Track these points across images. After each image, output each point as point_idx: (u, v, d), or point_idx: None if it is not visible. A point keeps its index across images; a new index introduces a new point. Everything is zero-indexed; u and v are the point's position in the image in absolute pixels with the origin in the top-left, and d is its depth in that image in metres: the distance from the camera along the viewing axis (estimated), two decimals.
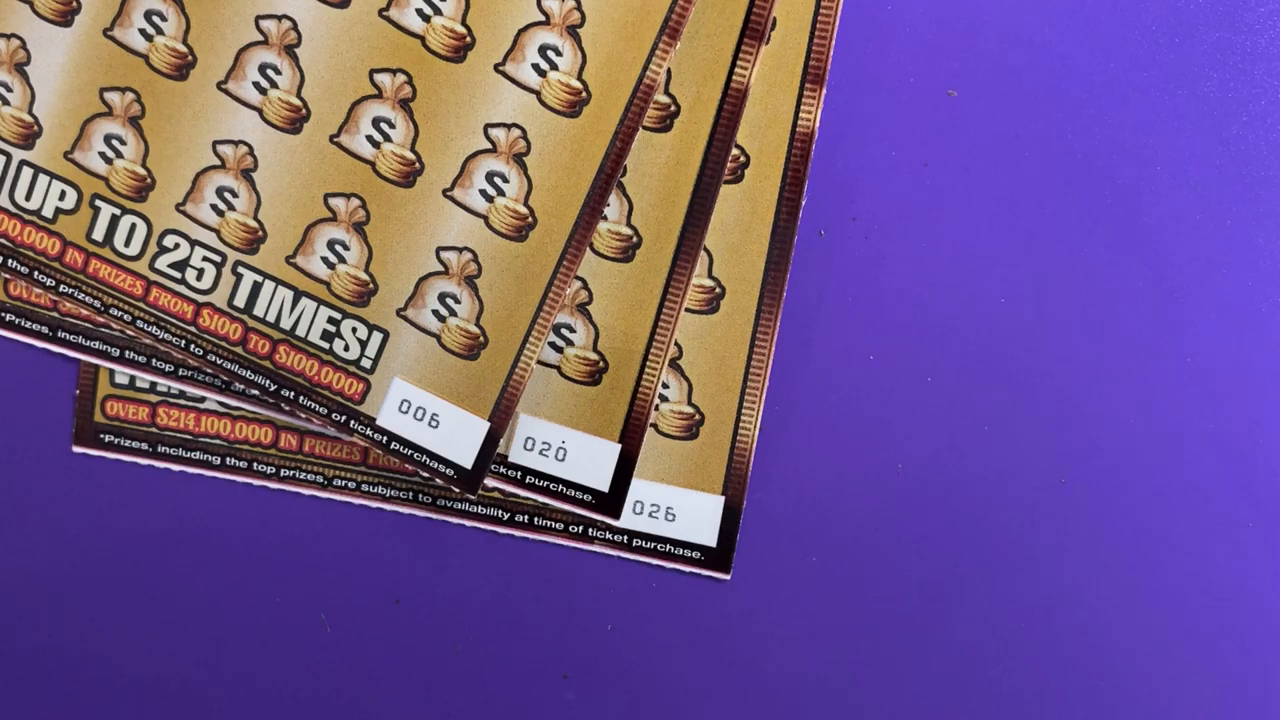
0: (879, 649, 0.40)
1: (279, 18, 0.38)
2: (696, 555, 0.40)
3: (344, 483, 0.40)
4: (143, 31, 0.38)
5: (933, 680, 0.41)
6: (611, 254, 0.39)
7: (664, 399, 0.39)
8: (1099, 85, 0.40)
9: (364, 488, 0.40)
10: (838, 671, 0.40)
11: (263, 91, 0.38)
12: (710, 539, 0.40)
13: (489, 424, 0.39)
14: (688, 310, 0.39)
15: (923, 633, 0.40)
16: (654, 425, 0.39)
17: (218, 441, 0.40)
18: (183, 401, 0.40)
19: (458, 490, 0.39)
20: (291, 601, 0.41)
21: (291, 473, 0.40)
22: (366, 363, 0.39)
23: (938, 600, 0.40)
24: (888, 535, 0.40)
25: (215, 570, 0.41)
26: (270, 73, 0.38)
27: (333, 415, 0.39)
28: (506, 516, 0.40)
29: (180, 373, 0.40)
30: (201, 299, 0.39)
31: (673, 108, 0.38)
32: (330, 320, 0.39)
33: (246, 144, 0.38)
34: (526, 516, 0.40)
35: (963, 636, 0.40)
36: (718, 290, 0.39)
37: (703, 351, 0.39)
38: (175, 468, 0.40)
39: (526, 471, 0.39)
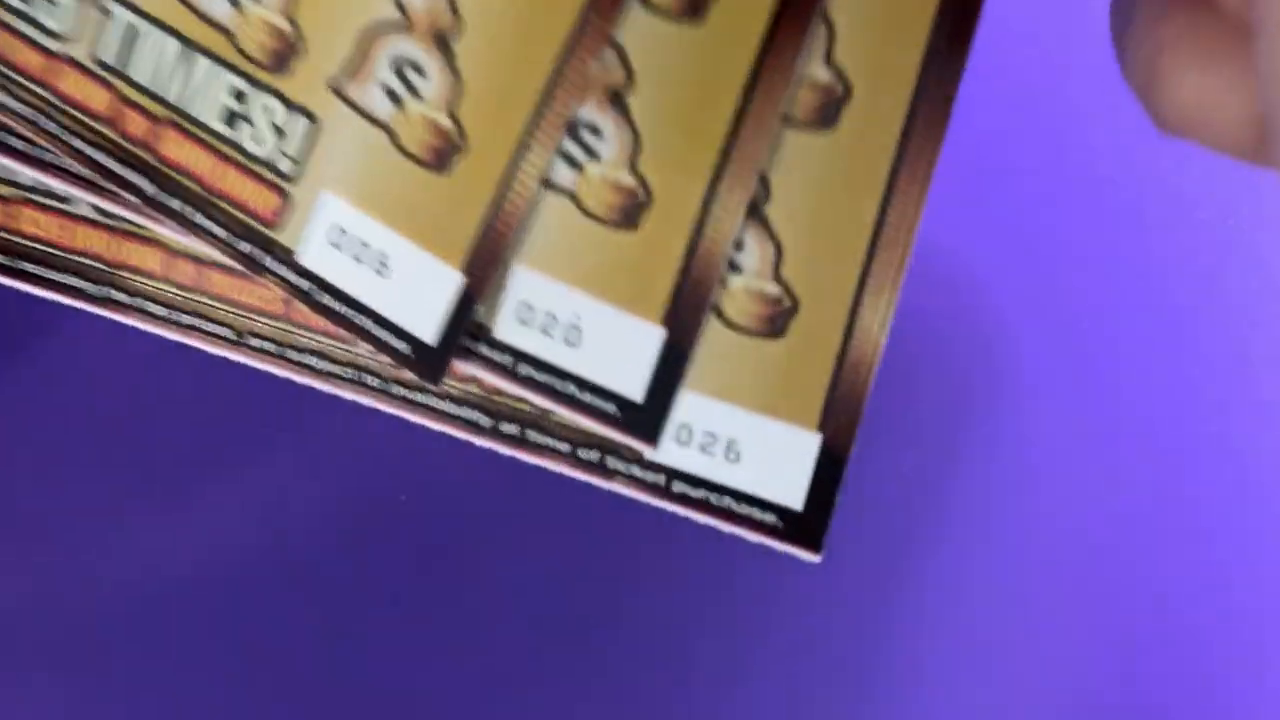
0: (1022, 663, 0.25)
1: None
2: (771, 519, 0.25)
3: (260, 343, 0.27)
4: None
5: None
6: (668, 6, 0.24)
7: (735, 268, 0.24)
8: None
9: (289, 354, 0.27)
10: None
11: None
12: (796, 496, 0.25)
13: (463, 277, 0.25)
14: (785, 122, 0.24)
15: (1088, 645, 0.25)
16: (717, 310, 0.25)
17: (97, 266, 0.27)
18: (48, 201, 0.27)
19: (414, 374, 0.25)
20: (177, 490, 0.28)
21: (190, 319, 0.27)
22: (285, 164, 0.25)
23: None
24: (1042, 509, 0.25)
25: (72, 439, 0.29)
26: None
27: (235, 243, 0.26)
28: (488, 424, 0.26)
29: (38, 155, 0.27)
30: (56, 46, 0.26)
31: None
32: (234, 93, 0.25)
33: None
34: (518, 427, 0.26)
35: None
36: (837, 88, 0.24)
37: (805, 192, 0.24)
38: (42, 293, 0.28)
39: (520, 357, 0.25)
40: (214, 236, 0.26)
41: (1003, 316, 0.28)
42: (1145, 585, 0.29)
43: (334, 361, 0.27)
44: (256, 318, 0.27)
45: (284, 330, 0.27)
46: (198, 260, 0.27)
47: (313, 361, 0.27)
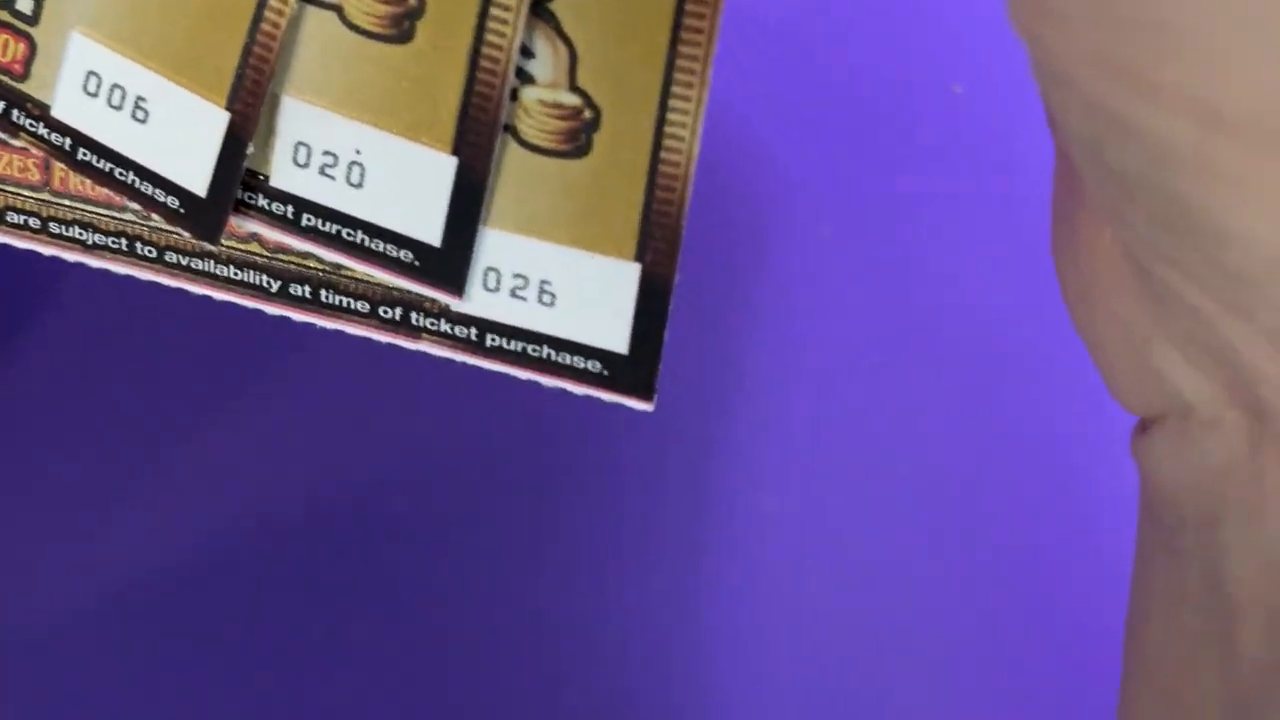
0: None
1: None
2: (595, 366, 0.23)
3: (20, 218, 0.24)
4: None
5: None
6: None
7: (526, 77, 0.22)
8: None
9: (51, 228, 0.24)
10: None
11: None
12: (619, 338, 0.23)
13: (229, 114, 0.22)
14: None
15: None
16: (512, 130, 0.22)
17: None
18: None
19: (189, 233, 0.23)
20: None
21: None
22: (25, 4, 0.23)
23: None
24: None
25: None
26: None
27: None
28: (275, 286, 0.24)
29: None
30: None
31: None
32: None
33: None
34: (308, 288, 0.23)
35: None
36: None
37: None
38: None
39: (302, 205, 0.23)
40: None
41: (810, 114, 0.26)
42: (964, 399, 0.27)
43: (102, 232, 0.24)
44: (13, 190, 0.24)
45: (45, 202, 0.24)
46: None
47: (79, 234, 0.24)
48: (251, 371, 0.30)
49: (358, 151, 0.22)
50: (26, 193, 0.24)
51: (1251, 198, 0.14)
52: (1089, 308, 0.19)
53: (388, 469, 0.31)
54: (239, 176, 0.22)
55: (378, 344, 0.24)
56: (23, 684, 0.32)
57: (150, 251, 0.24)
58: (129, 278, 0.25)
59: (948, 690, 0.32)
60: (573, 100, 0.22)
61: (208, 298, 0.25)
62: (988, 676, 0.32)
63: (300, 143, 0.22)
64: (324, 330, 0.24)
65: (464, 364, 0.24)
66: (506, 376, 0.24)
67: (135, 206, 0.23)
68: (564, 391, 0.23)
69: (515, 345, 0.23)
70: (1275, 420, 0.16)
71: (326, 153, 0.22)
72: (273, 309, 0.24)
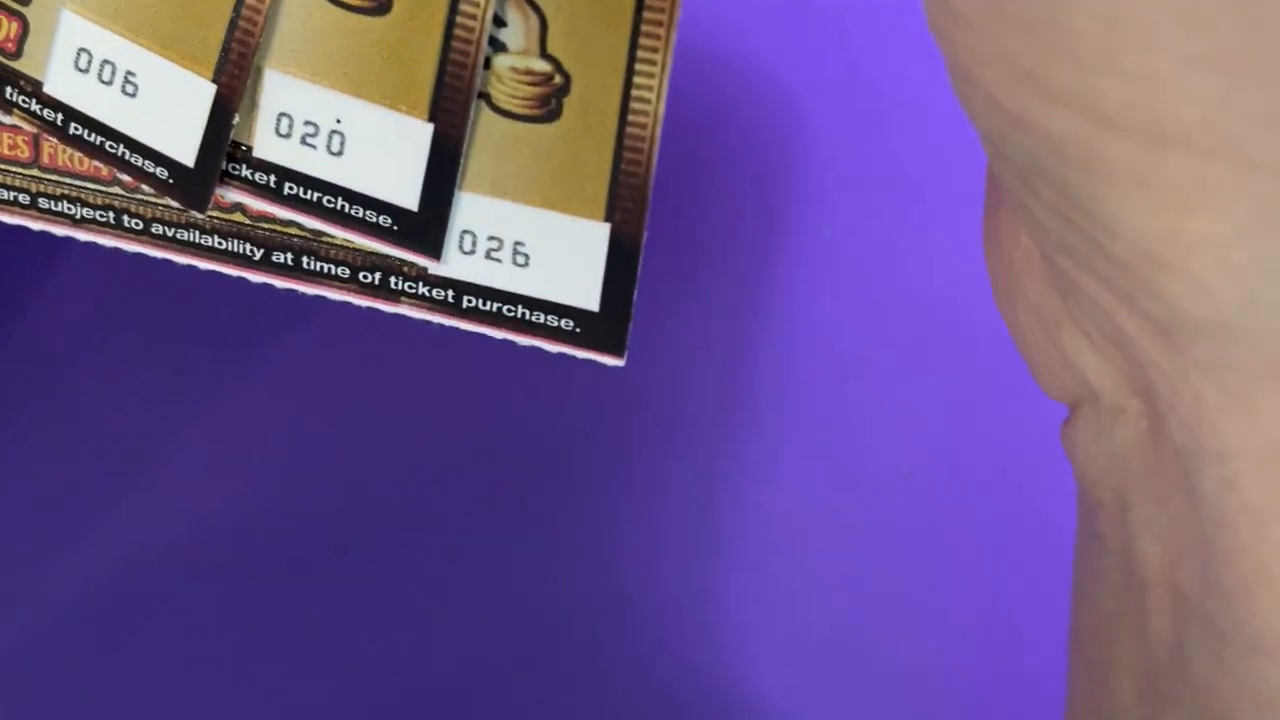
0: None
1: None
2: (568, 324, 0.24)
3: (10, 194, 0.25)
4: None
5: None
6: None
7: (498, 45, 0.23)
8: None
9: (40, 203, 0.25)
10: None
11: None
12: (591, 296, 0.24)
13: (215, 86, 0.23)
14: None
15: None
16: (486, 97, 0.23)
17: None
18: None
19: (178, 202, 0.24)
20: None
21: None
22: None
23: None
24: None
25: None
26: None
27: None
28: (259, 254, 0.24)
29: None
30: None
31: None
32: None
33: None
34: (290, 255, 0.24)
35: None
36: None
37: None
38: None
39: (284, 174, 0.24)
40: None
41: (780, 82, 0.27)
42: (956, 351, 0.28)
43: (90, 206, 0.25)
44: (3, 167, 0.25)
45: (34, 178, 0.25)
46: None
47: (67, 208, 0.25)
48: (242, 360, 0.31)
49: (338, 121, 0.23)
50: (16, 169, 0.25)
51: (1136, 191, 0.14)
52: (1010, 298, 0.20)
53: (385, 459, 0.32)
54: (225, 147, 0.23)
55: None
56: (17, 684, 0.32)
57: (137, 224, 0.25)
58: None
59: (956, 681, 0.32)
60: (543, 67, 0.23)
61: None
62: (999, 673, 0.32)
63: (282, 113, 0.23)
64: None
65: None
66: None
67: (124, 179, 0.24)
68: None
69: (491, 306, 0.24)
70: (1164, 405, 0.17)
71: (308, 122, 0.23)
72: (256, 277, 0.24)
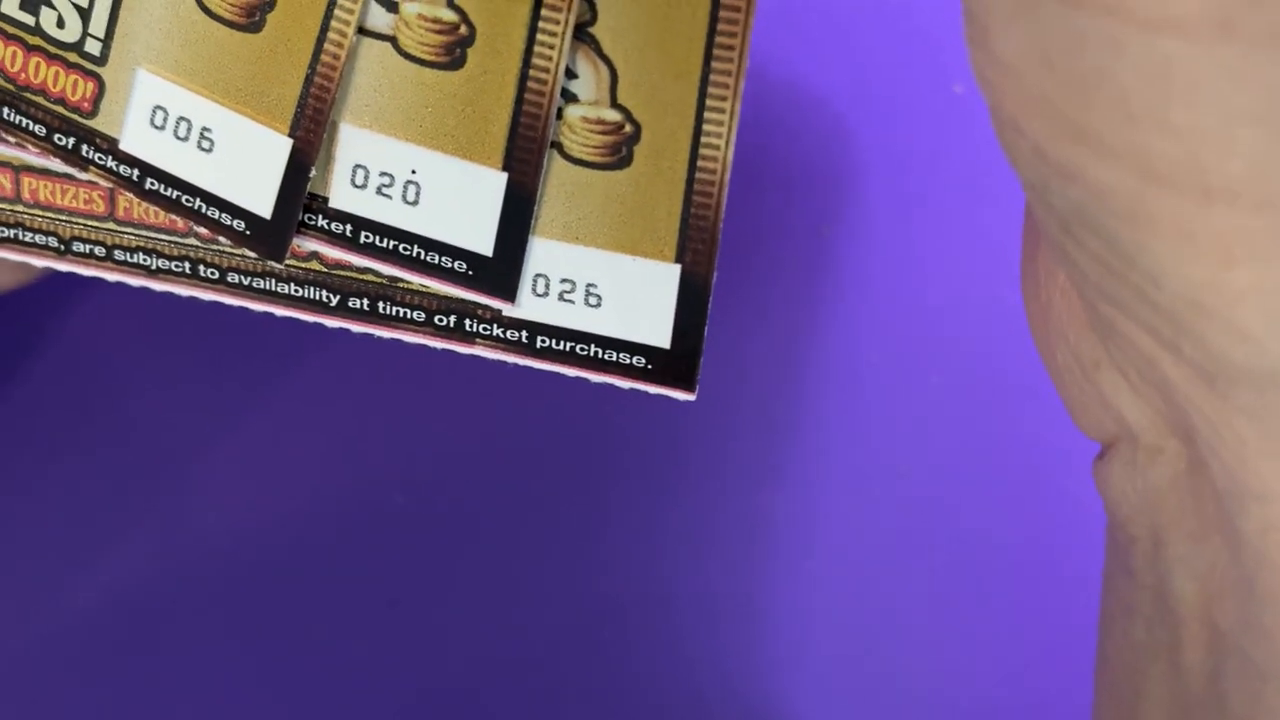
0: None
1: None
2: (640, 361, 0.25)
3: (86, 248, 0.26)
4: None
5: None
6: None
7: (569, 96, 0.24)
8: None
9: (116, 255, 0.26)
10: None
11: None
12: (662, 334, 0.25)
13: (292, 140, 0.24)
14: None
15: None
16: (558, 146, 0.24)
17: None
18: None
19: (255, 253, 0.24)
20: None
21: (9, 231, 0.26)
22: (93, 45, 0.24)
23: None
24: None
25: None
26: None
27: (54, 137, 0.24)
28: (333, 300, 0.25)
29: None
30: None
31: None
32: None
33: None
34: (366, 300, 0.25)
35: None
36: None
37: (631, 5, 0.23)
38: None
39: (360, 224, 0.24)
40: (34, 135, 0.24)
41: (843, 123, 0.28)
42: (1009, 381, 0.29)
43: (166, 257, 0.25)
44: (80, 221, 0.25)
45: (110, 231, 0.25)
46: (11, 167, 0.25)
47: (143, 260, 0.25)
48: (268, 377, 0.32)
49: (413, 171, 0.24)
50: (92, 223, 0.25)
51: (1181, 243, 0.15)
52: (1048, 337, 0.20)
53: (414, 468, 0.32)
54: (302, 199, 0.24)
55: (407, 348, 0.25)
56: (32, 693, 0.33)
57: (213, 274, 0.25)
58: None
59: (969, 685, 0.33)
60: (614, 116, 0.23)
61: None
62: (1020, 676, 0.33)
63: (358, 165, 0.24)
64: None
65: (504, 368, 0.26)
66: (534, 381, 0.25)
67: (201, 231, 0.25)
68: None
69: (564, 345, 0.24)
70: (1206, 448, 0.17)
71: (383, 174, 0.24)
72: (332, 322, 0.25)
